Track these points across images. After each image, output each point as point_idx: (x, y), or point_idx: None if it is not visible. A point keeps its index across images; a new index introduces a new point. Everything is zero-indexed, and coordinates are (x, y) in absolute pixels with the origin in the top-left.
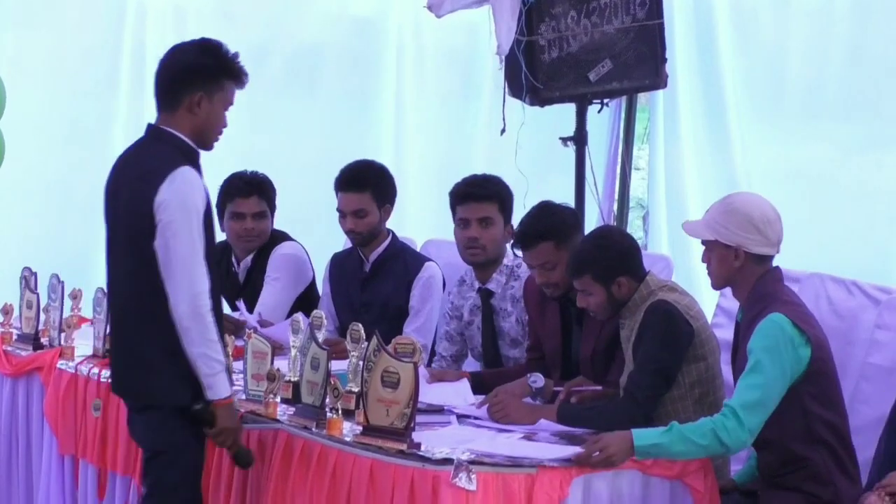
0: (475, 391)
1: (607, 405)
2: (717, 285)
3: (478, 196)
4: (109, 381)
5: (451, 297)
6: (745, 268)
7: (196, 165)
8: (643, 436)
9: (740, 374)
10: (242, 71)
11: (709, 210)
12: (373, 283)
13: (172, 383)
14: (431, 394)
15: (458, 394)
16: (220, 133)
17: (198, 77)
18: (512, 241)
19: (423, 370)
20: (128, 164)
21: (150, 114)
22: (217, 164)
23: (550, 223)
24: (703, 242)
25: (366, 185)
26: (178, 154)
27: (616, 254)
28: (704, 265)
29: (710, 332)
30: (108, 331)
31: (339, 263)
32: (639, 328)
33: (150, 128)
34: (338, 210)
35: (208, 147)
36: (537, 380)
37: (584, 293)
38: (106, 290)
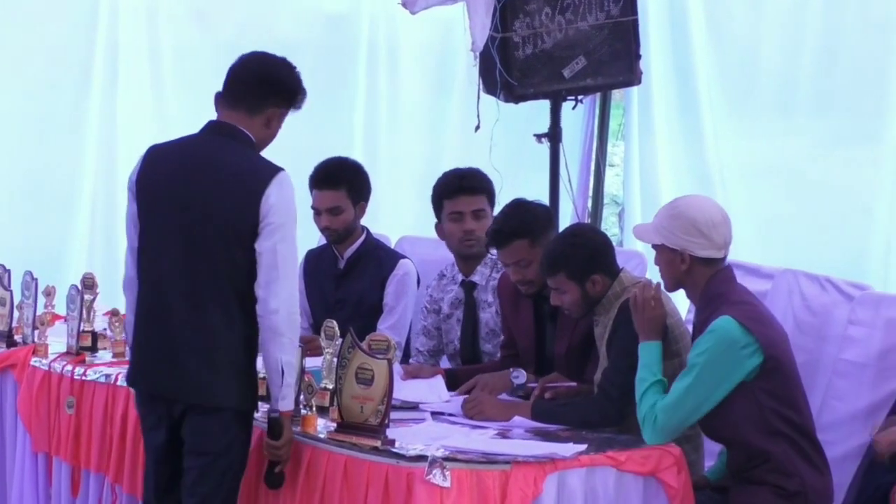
0: (450, 388)
1: (581, 402)
2: (668, 287)
3: (470, 189)
4: (136, 377)
5: (429, 291)
6: (693, 270)
7: None
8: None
9: None
10: (303, 100)
11: (657, 214)
12: (347, 280)
13: (246, 388)
14: (406, 390)
15: (432, 390)
16: None
17: (284, 95)
18: (486, 242)
19: (397, 367)
20: (209, 162)
21: (123, 110)
22: None
23: (523, 221)
24: (653, 246)
25: (340, 182)
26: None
27: (589, 251)
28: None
29: (684, 329)
30: (147, 329)
31: (313, 260)
32: (612, 325)
33: (225, 125)
34: (312, 207)
35: None
36: (519, 375)
37: (558, 291)
38: (149, 286)
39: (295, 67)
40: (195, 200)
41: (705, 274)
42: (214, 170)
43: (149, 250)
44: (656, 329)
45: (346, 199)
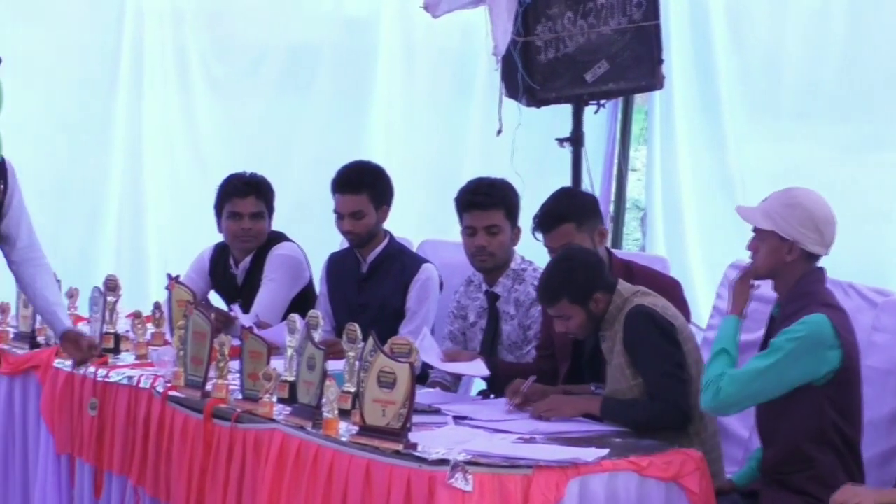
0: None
1: (649, 403)
2: (760, 275)
3: (483, 204)
4: None
5: (457, 297)
6: (795, 263)
7: None
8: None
9: None
10: None
11: (767, 199)
12: (370, 283)
13: None
14: (448, 366)
15: (472, 368)
16: None
17: None
18: (532, 227)
19: (437, 349)
20: None
21: (148, 114)
22: (215, 166)
23: (571, 205)
24: (755, 230)
25: (363, 186)
26: None
27: (586, 272)
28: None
29: (688, 334)
30: None
31: (336, 264)
32: (626, 337)
33: None
34: (335, 212)
35: None
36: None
37: (563, 318)
38: None
39: None
40: None
41: (802, 269)
42: None
43: None
44: (741, 306)
45: (369, 203)
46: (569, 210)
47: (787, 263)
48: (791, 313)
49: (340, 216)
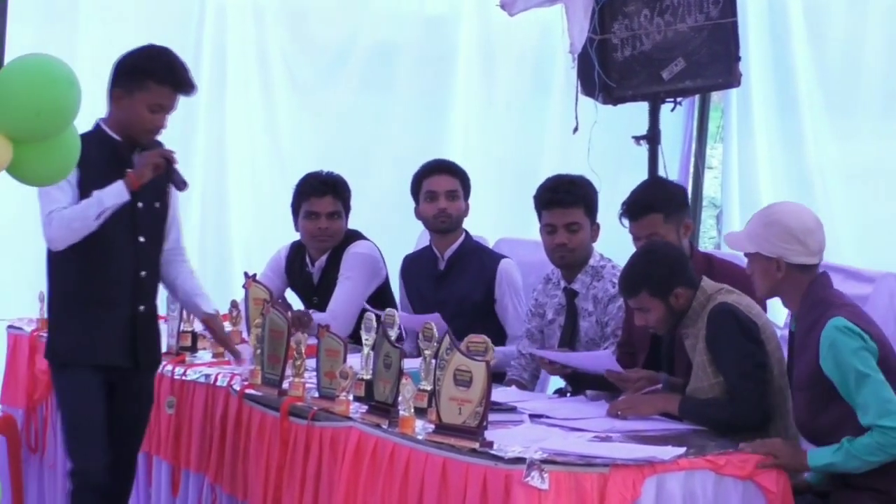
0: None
1: (727, 403)
2: (762, 296)
3: (563, 202)
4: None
5: (535, 295)
6: (789, 278)
7: None
8: (817, 456)
9: (797, 384)
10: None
11: (750, 221)
12: (448, 280)
13: None
14: (575, 360)
15: (600, 361)
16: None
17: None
18: (619, 213)
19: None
20: None
21: (230, 113)
22: (295, 164)
23: (661, 195)
24: (746, 255)
25: (456, 171)
26: None
27: (668, 266)
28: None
29: (770, 333)
30: None
31: (412, 263)
32: (708, 335)
33: None
34: (428, 192)
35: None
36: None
37: (642, 311)
38: None
39: (149, 50)
40: None
41: (802, 281)
42: None
43: None
44: (798, 463)
45: (461, 188)
46: (658, 200)
47: (780, 280)
48: (810, 324)
49: (434, 196)
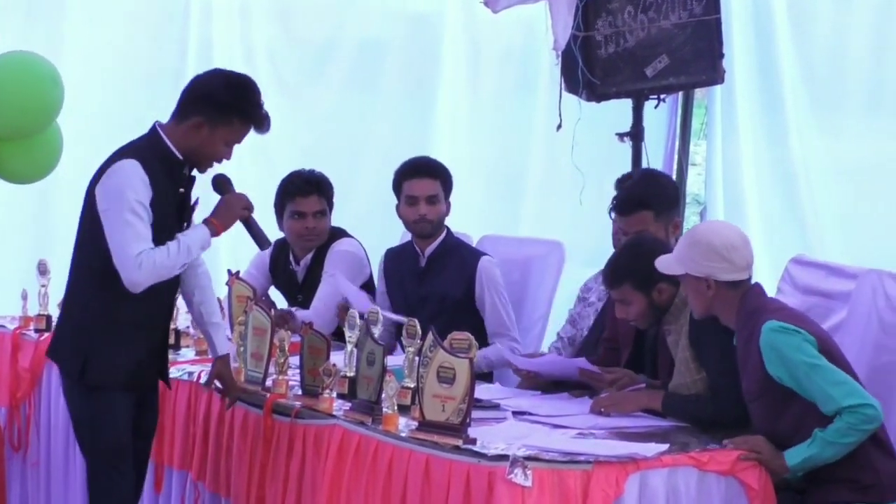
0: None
1: (710, 399)
2: (699, 315)
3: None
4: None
5: (587, 281)
6: (720, 295)
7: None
8: (793, 455)
9: (748, 396)
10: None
11: (677, 245)
12: (429, 277)
13: None
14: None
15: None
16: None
17: (213, 107)
18: (609, 207)
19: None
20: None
21: None
22: (280, 162)
23: (653, 193)
24: (679, 277)
25: (438, 172)
26: None
27: (653, 260)
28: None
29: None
30: None
31: (393, 258)
32: (691, 332)
33: (152, 128)
34: (408, 196)
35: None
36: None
37: (624, 303)
38: None
39: (240, 85)
40: None
41: (734, 296)
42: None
43: None
44: (778, 464)
45: (441, 190)
46: (650, 198)
47: (712, 298)
48: (748, 335)
49: (414, 201)
